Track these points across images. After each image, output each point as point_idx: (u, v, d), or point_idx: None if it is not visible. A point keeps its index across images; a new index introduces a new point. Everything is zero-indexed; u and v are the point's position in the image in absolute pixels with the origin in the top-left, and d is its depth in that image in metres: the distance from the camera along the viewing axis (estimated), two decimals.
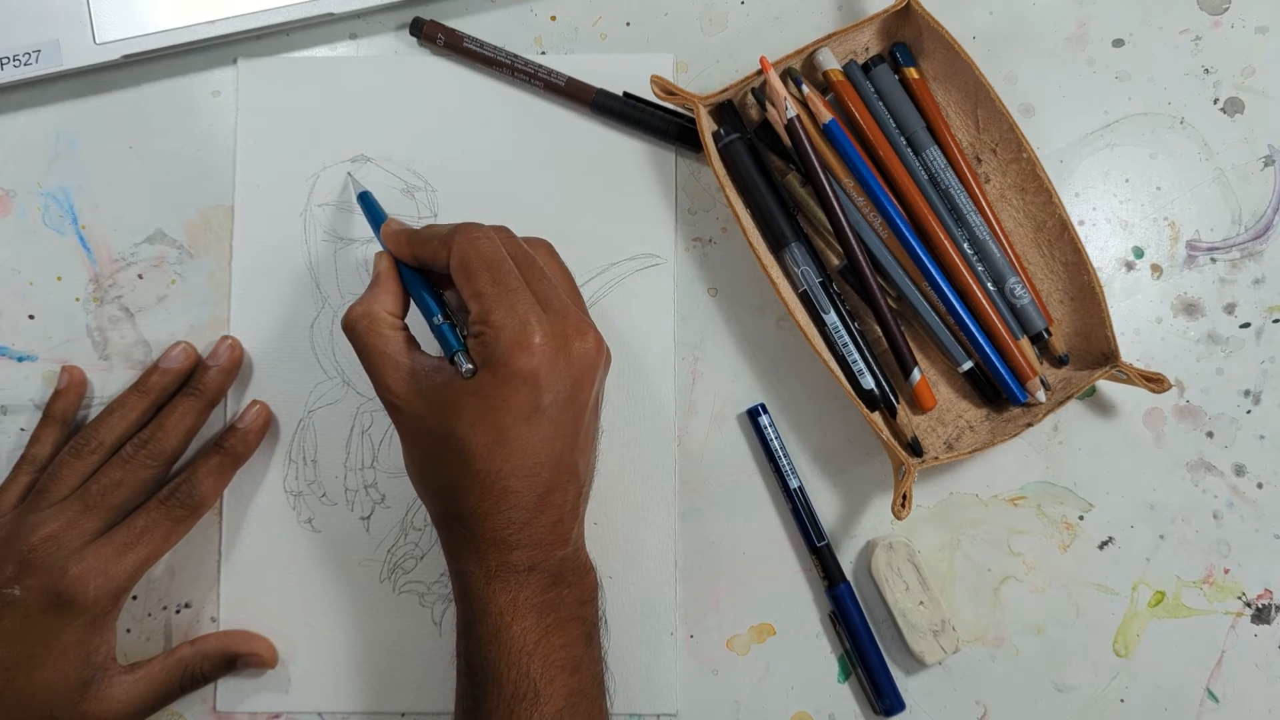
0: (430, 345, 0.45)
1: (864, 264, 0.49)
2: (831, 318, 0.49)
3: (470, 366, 0.42)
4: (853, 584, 0.51)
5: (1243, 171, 0.53)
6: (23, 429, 0.52)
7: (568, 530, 0.43)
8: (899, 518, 0.47)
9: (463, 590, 0.43)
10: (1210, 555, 0.52)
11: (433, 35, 0.53)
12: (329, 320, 0.52)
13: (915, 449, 0.49)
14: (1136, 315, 0.53)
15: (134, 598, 0.51)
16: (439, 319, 0.44)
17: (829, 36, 0.51)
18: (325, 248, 0.53)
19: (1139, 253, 0.53)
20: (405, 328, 0.45)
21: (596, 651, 0.44)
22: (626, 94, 0.53)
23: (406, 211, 0.53)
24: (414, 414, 0.43)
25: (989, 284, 0.50)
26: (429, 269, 0.45)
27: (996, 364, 0.50)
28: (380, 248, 0.47)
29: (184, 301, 0.52)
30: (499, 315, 0.41)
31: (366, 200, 0.50)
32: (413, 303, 0.46)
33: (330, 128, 0.53)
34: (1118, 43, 0.54)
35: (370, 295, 0.45)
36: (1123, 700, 0.51)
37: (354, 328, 0.44)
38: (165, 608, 0.51)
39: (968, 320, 0.50)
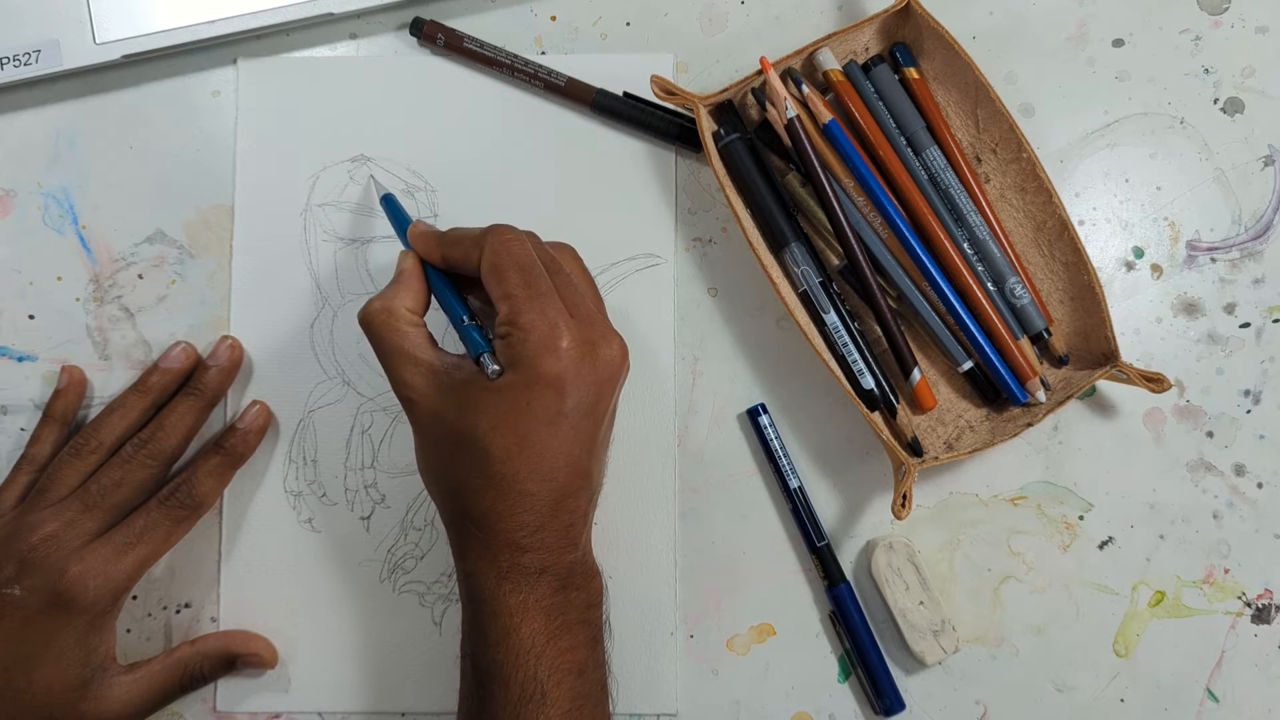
0: (447, 345, 0.45)
1: (864, 264, 0.49)
2: (831, 318, 0.49)
3: (497, 368, 0.42)
4: (853, 584, 0.51)
5: (1243, 171, 0.53)
6: (23, 429, 0.52)
7: (578, 535, 0.43)
8: (899, 518, 0.47)
9: (471, 591, 0.43)
10: (1210, 555, 0.52)
11: (433, 35, 0.53)
12: (329, 320, 0.52)
13: (915, 449, 0.49)
14: (1136, 315, 0.53)
15: (134, 598, 0.51)
16: (466, 320, 0.44)
17: (829, 36, 0.51)
18: (325, 248, 0.53)
19: (1139, 253, 0.53)
20: (424, 325, 0.45)
21: (601, 655, 0.44)
22: (626, 94, 0.53)
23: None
24: (432, 411, 0.42)
25: (989, 284, 0.50)
26: (455, 271, 0.45)
27: (996, 364, 0.50)
28: (404, 248, 0.47)
29: (184, 301, 0.52)
30: (528, 317, 0.41)
31: (390, 202, 0.50)
32: (433, 303, 0.46)
33: (330, 128, 0.53)
34: (1118, 43, 0.54)
35: (391, 291, 0.45)
36: (1123, 700, 0.51)
37: (371, 322, 0.44)
38: (165, 608, 0.51)
39: (968, 320, 0.50)
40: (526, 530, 0.41)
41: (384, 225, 0.52)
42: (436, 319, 0.46)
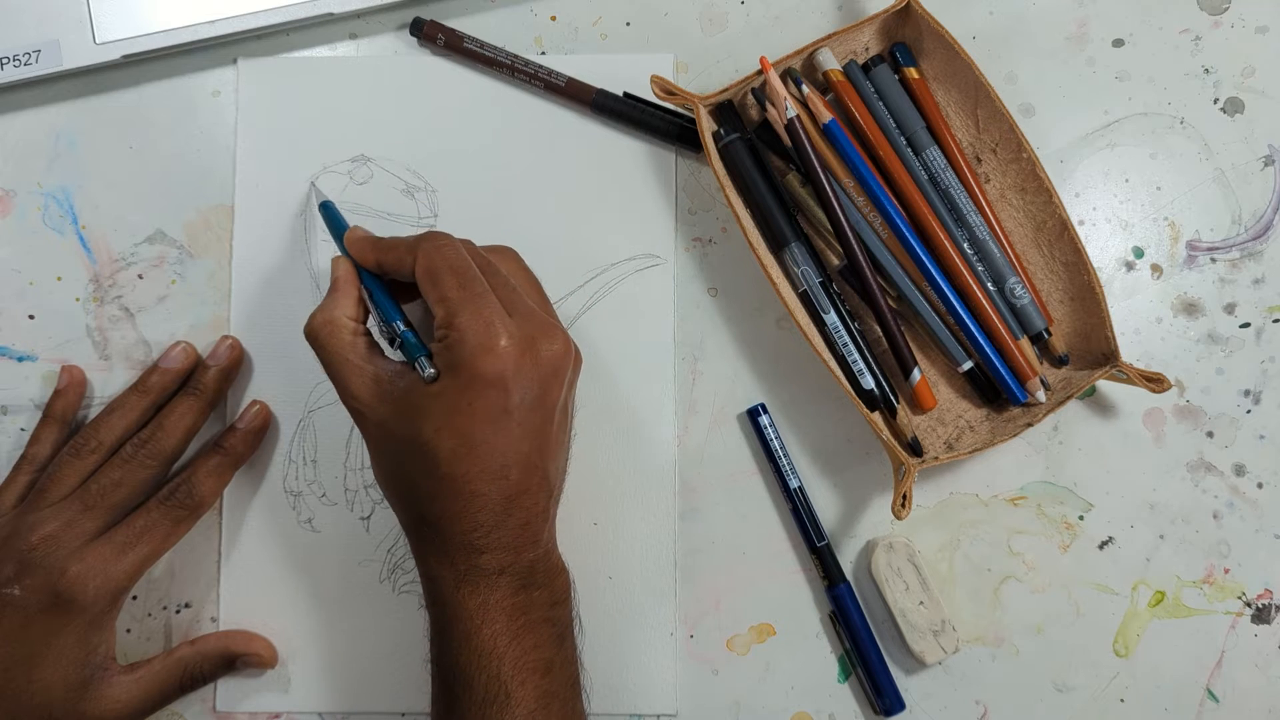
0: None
1: (864, 264, 0.49)
2: (831, 318, 0.49)
3: (432, 371, 0.42)
4: (853, 584, 0.51)
5: (1243, 171, 0.53)
6: (23, 429, 0.52)
7: (537, 533, 0.43)
8: (899, 518, 0.47)
9: (433, 595, 0.43)
10: (1210, 555, 0.52)
11: (433, 35, 0.53)
12: None
13: (915, 449, 0.49)
14: (1136, 315, 0.53)
15: (134, 598, 0.51)
16: (400, 324, 0.44)
17: (829, 36, 0.51)
18: (325, 248, 0.53)
19: (1139, 253, 0.53)
20: (367, 333, 0.45)
21: (570, 652, 0.44)
22: (626, 94, 0.53)
23: (406, 212, 0.53)
24: (378, 419, 0.43)
25: (989, 284, 0.50)
26: (389, 276, 0.46)
27: (996, 364, 0.50)
28: (336, 255, 0.47)
29: (184, 301, 0.52)
30: (464, 319, 0.41)
31: (329, 210, 0.50)
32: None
33: (330, 128, 0.53)
34: (1118, 43, 0.54)
35: (330, 301, 0.45)
36: (1123, 700, 0.51)
37: (316, 335, 0.44)
38: (165, 608, 0.51)
39: (968, 320, 0.50)
40: (481, 531, 0.41)
41: (384, 224, 0.52)
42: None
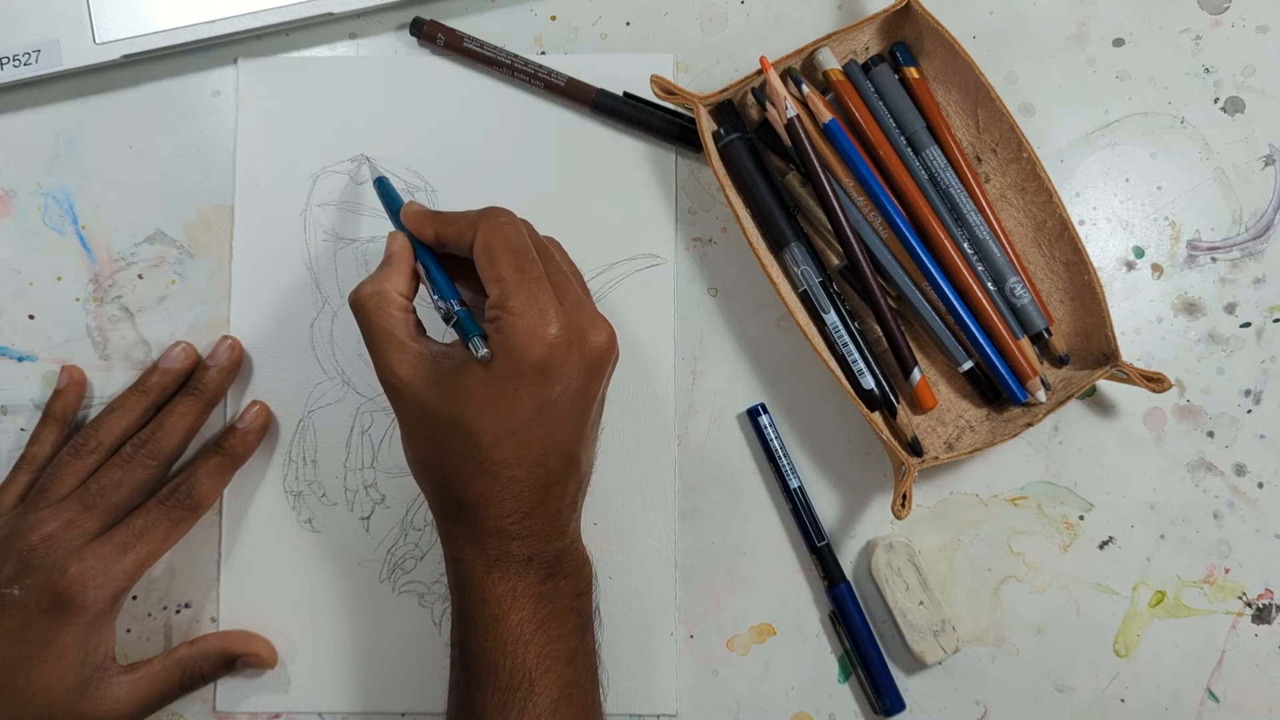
0: (434, 329, 0.45)
1: (864, 264, 0.49)
2: (831, 318, 0.49)
3: (487, 351, 0.41)
4: (853, 584, 0.51)
5: (1243, 171, 0.53)
6: (23, 429, 0.52)
7: (567, 522, 0.43)
8: (899, 518, 0.47)
9: (460, 579, 0.43)
10: (1210, 555, 0.52)
11: (433, 35, 0.53)
12: (329, 320, 0.52)
13: (915, 449, 0.49)
14: (1137, 315, 0.53)
15: (134, 598, 0.51)
16: (455, 303, 0.43)
17: (829, 36, 0.51)
18: (325, 248, 0.53)
19: (1139, 252, 0.53)
20: (414, 310, 0.45)
21: (591, 644, 0.44)
22: (626, 94, 0.53)
23: None
24: (416, 399, 0.42)
25: (989, 284, 0.50)
26: (445, 249, 0.45)
27: (996, 364, 0.50)
28: (393, 230, 0.46)
29: (184, 301, 0.52)
30: (517, 302, 0.41)
31: (384, 185, 0.49)
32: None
33: (330, 128, 0.53)
34: (1118, 42, 0.54)
35: (381, 274, 0.45)
36: (1123, 700, 0.51)
37: (362, 305, 0.44)
38: (165, 608, 0.51)
39: (968, 320, 0.49)
40: (515, 517, 0.42)
41: (385, 225, 0.52)
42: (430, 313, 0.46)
